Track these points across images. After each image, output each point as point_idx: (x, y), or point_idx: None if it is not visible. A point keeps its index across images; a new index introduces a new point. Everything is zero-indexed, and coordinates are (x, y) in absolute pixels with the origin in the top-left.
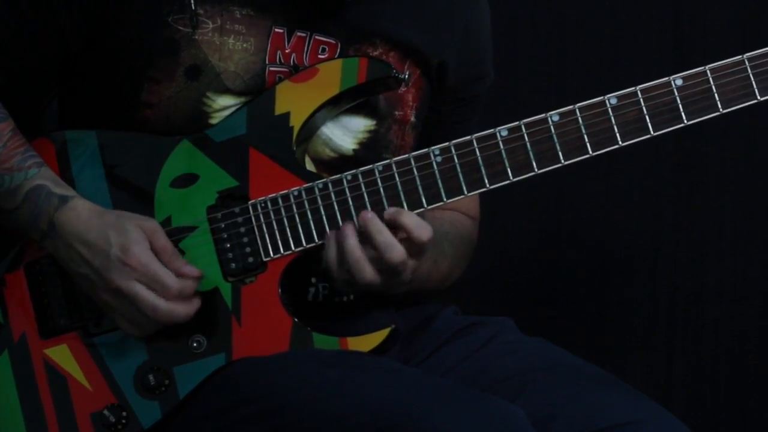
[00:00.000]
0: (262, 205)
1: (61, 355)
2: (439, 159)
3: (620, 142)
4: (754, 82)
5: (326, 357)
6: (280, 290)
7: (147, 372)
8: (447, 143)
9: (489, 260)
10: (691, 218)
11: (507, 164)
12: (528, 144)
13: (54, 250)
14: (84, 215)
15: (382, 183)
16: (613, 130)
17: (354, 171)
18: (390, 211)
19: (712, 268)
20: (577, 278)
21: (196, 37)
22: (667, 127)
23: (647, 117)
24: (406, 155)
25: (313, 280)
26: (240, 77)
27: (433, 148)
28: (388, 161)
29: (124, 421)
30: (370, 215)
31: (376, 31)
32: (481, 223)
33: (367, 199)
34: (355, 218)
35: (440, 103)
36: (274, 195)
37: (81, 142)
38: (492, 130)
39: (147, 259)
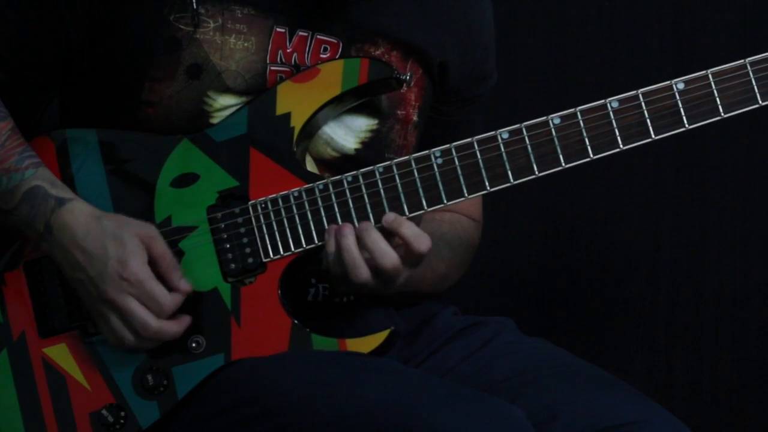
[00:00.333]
0: (262, 205)
1: (60, 354)
2: (439, 161)
3: (621, 146)
4: (756, 87)
5: (325, 358)
6: (279, 291)
7: (146, 372)
8: (448, 145)
9: (489, 261)
10: (691, 219)
11: (508, 167)
12: (529, 147)
13: (51, 252)
14: (81, 219)
15: (382, 184)
16: (615, 133)
17: (354, 172)
18: (389, 219)
19: (712, 269)
20: (578, 278)
21: (198, 36)
22: (669, 131)
23: (648, 121)
24: (407, 157)
25: (313, 280)
26: (241, 76)
27: (433, 150)
28: (388, 163)
29: (122, 421)
30: (366, 225)
31: (377, 31)
32: (483, 223)
33: (367, 201)
34: (355, 221)
35: (443, 103)
36: (274, 195)
37: (81, 140)
38: (493, 132)
39: (144, 275)
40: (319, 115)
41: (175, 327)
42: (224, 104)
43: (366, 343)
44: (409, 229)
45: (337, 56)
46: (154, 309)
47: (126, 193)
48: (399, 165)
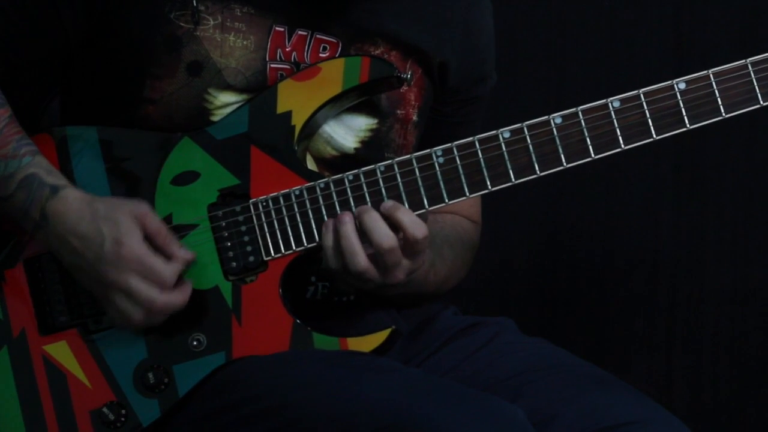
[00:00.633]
0: (264, 203)
1: (61, 351)
2: (441, 160)
3: (623, 146)
4: (757, 87)
5: (326, 357)
6: (280, 290)
7: (146, 370)
8: (449, 144)
9: (489, 261)
10: (691, 219)
11: (509, 166)
12: (530, 146)
13: (46, 241)
14: (74, 206)
15: (383, 183)
16: (616, 133)
17: (356, 171)
18: (387, 204)
19: (712, 269)
20: (578, 278)
21: (198, 33)
22: (670, 131)
23: (650, 121)
24: (408, 156)
25: (313, 279)
26: (241, 74)
27: (435, 149)
28: (390, 161)
29: (123, 418)
30: (366, 207)
31: (377, 31)
32: (482, 224)
33: (368, 199)
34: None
35: (443, 104)
36: (275, 194)
37: (81, 137)
38: (494, 131)
39: (141, 252)
40: (320, 113)
41: (180, 296)
42: (225, 101)
43: (367, 342)
44: (405, 215)
45: (336, 55)
46: (156, 283)
47: (126, 191)
48: (400, 164)
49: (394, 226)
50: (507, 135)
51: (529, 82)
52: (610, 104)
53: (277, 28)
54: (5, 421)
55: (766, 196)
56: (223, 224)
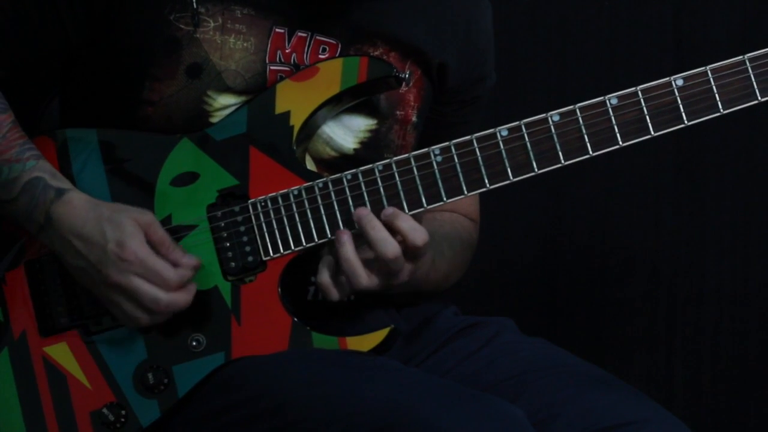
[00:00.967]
0: (262, 204)
1: (61, 353)
2: (439, 159)
3: (621, 143)
4: (755, 83)
5: (326, 356)
6: (279, 289)
7: (146, 371)
8: (447, 143)
9: (489, 261)
10: (691, 218)
11: (507, 164)
12: (528, 144)
13: (50, 243)
14: (79, 209)
15: (382, 182)
16: (614, 130)
17: (354, 170)
18: (387, 212)
19: (712, 269)
20: (577, 278)
21: (198, 35)
22: (668, 128)
23: (648, 117)
24: (406, 155)
25: (313, 279)
26: (241, 76)
27: (433, 147)
28: (388, 161)
29: (123, 419)
30: (365, 211)
31: (376, 32)
32: (482, 223)
33: (366, 199)
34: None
35: (441, 104)
36: (274, 194)
37: (81, 140)
38: (492, 129)
39: (143, 253)
40: (318, 113)
41: (184, 296)
42: (224, 104)
43: (366, 342)
44: (405, 222)
45: (336, 56)
46: (160, 282)
47: (126, 192)
48: (398, 163)
49: (394, 232)
50: (505, 133)
51: (529, 82)
52: (607, 101)
53: (277, 30)
54: (6, 422)
55: (766, 196)
56: (222, 225)
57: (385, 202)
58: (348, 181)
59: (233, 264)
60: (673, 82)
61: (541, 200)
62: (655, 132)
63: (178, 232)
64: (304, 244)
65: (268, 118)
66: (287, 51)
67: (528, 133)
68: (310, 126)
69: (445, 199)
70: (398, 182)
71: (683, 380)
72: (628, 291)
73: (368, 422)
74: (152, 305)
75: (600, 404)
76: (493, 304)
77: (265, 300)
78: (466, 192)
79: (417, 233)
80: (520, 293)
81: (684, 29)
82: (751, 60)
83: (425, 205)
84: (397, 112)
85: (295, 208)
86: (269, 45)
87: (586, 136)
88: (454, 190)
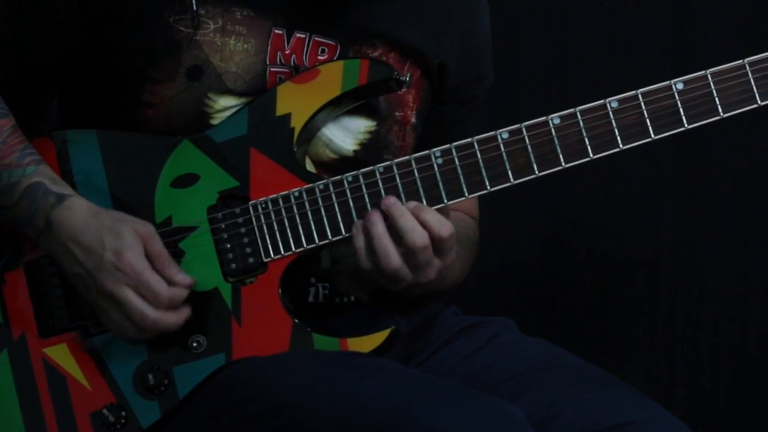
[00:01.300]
0: (263, 205)
1: (61, 354)
2: (440, 161)
3: (621, 146)
4: (754, 87)
5: (326, 357)
6: (280, 291)
7: (146, 372)
8: (448, 145)
9: (489, 261)
10: (691, 218)
11: (508, 166)
12: (529, 146)
13: (49, 248)
14: (80, 215)
15: (382, 184)
16: (614, 133)
17: (355, 172)
18: (410, 205)
19: (712, 269)
20: (578, 278)
21: (198, 37)
22: (668, 131)
23: (648, 120)
24: (407, 157)
25: (313, 280)
26: (241, 78)
27: (434, 150)
28: (389, 163)
29: (123, 420)
30: (393, 200)
31: (375, 32)
32: (482, 223)
33: (367, 201)
34: (355, 220)
35: (441, 104)
36: (274, 195)
37: (81, 142)
38: (493, 132)
39: (140, 266)
40: (319, 115)
41: (173, 318)
42: (225, 105)
43: (367, 343)
44: (430, 215)
45: (335, 58)
46: (150, 299)
47: (126, 194)
48: (399, 165)
49: (421, 224)
50: (505, 136)
51: (529, 83)
52: (608, 104)
53: (276, 31)
54: (5, 423)
55: (766, 196)
56: (223, 226)
57: None
58: (349, 183)
59: (234, 265)
60: (673, 86)
61: (542, 200)
62: (655, 135)
63: (178, 234)
64: (305, 245)
65: (268, 120)
66: (287, 52)
67: (529, 136)
68: (311, 128)
69: (446, 201)
70: (399, 184)
71: (683, 380)
72: (628, 291)
73: (368, 423)
74: (138, 319)
75: (600, 404)
76: (493, 304)
77: (266, 301)
78: (467, 194)
79: (442, 225)
80: (520, 293)
81: (684, 29)
82: (751, 64)
83: None
84: (397, 114)
85: (295, 210)
86: (269, 46)
87: (586, 139)
88: (454, 193)
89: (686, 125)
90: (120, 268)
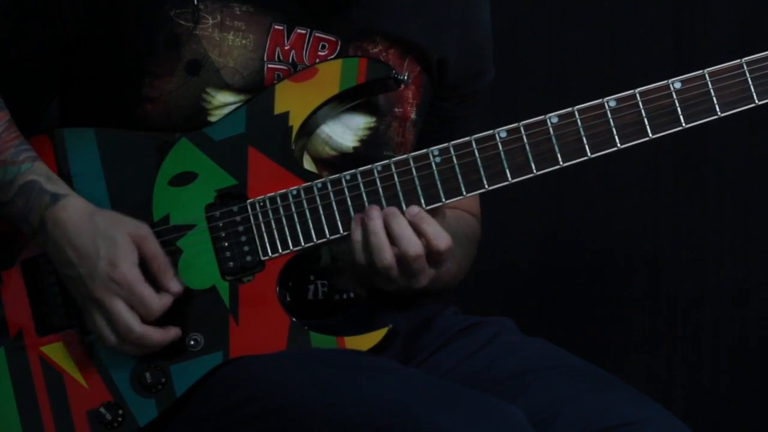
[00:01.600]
0: (261, 204)
1: (58, 352)
2: (438, 159)
3: (619, 145)
4: (752, 86)
5: (324, 356)
6: (278, 289)
7: (144, 370)
8: (446, 144)
9: (489, 261)
10: (691, 219)
11: (506, 165)
12: (527, 145)
13: (44, 247)
14: (75, 216)
15: (380, 183)
16: (612, 132)
17: (353, 171)
18: (413, 211)
19: (712, 269)
20: (578, 278)
21: (197, 32)
22: (666, 130)
23: (646, 120)
24: (405, 156)
25: (312, 277)
26: (239, 73)
27: (432, 148)
28: (387, 161)
29: (120, 419)
30: (395, 211)
31: (375, 28)
32: (482, 223)
33: (365, 199)
34: (353, 216)
35: (441, 99)
36: (272, 194)
37: (79, 139)
38: (491, 131)
39: (133, 278)
40: (317, 114)
41: (158, 335)
42: (223, 101)
43: (364, 341)
44: (430, 227)
45: (334, 54)
46: (141, 312)
47: (124, 192)
48: (397, 164)
49: (419, 234)
50: (504, 134)
51: (529, 82)
52: (606, 104)
53: (276, 27)
54: (2, 422)
55: (766, 196)
56: (221, 224)
57: (384, 203)
58: (347, 181)
59: (231, 264)
60: (671, 85)
61: (541, 200)
62: (653, 134)
63: (176, 232)
64: (303, 244)
65: (267, 119)
66: (286, 48)
67: (527, 135)
68: (309, 126)
69: (444, 199)
70: (397, 183)
71: (683, 380)
72: (628, 291)
73: (367, 422)
74: (124, 332)
75: (600, 404)
76: (493, 304)
77: (264, 300)
78: (464, 193)
79: (441, 238)
80: (520, 293)
81: (684, 29)
82: (748, 64)
83: (424, 206)
84: (396, 110)
85: (293, 209)
86: (268, 42)
87: (584, 138)
88: (452, 191)
89: (684, 124)
90: (113, 279)
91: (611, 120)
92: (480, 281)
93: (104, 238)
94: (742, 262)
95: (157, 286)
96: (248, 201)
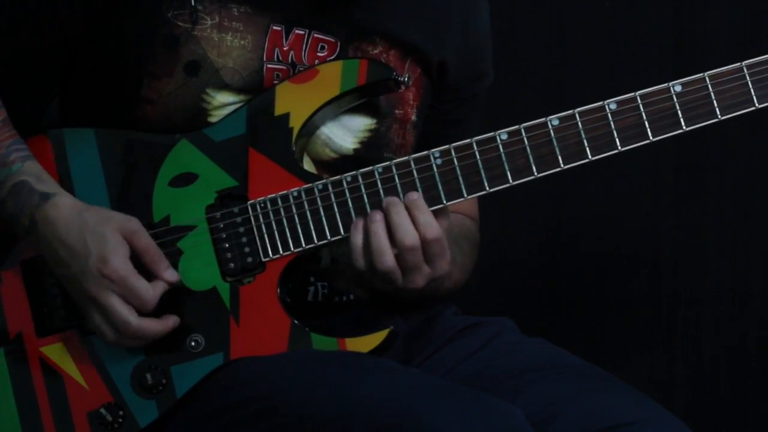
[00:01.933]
0: (261, 205)
1: (58, 353)
2: (438, 161)
3: (619, 147)
4: (752, 90)
5: (326, 357)
6: (278, 290)
7: (144, 371)
8: (447, 146)
9: (489, 261)
10: (691, 219)
11: (507, 167)
12: (528, 148)
13: (37, 247)
14: (64, 214)
15: (381, 184)
16: (613, 135)
17: (353, 172)
18: (412, 197)
19: (712, 269)
20: (578, 278)
21: (195, 33)
22: (666, 133)
23: (646, 122)
24: (406, 157)
25: (312, 279)
26: (238, 73)
27: (433, 150)
28: (387, 163)
29: (120, 420)
30: (396, 201)
31: (375, 30)
32: (482, 223)
33: (366, 201)
34: (354, 220)
35: (441, 102)
36: (273, 195)
37: (79, 140)
38: (492, 133)
39: (125, 272)
40: (317, 115)
41: (156, 326)
42: (222, 102)
43: (365, 343)
44: (421, 215)
45: (334, 55)
46: (136, 304)
47: (124, 193)
48: (398, 165)
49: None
50: (504, 137)
51: (529, 83)
52: (606, 106)
53: (275, 27)
54: (2, 423)
55: (766, 196)
56: (221, 226)
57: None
58: (348, 183)
59: (232, 265)
60: (671, 88)
61: (541, 200)
62: (653, 137)
63: (176, 233)
64: (304, 245)
65: (267, 120)
66: (285, 48)
67: (528, 137)
68: (310, 128)
69: (444, 201)
70: (398, 185)
71: (683, 380)
72: (628, 291)
73: (367, 423)
74: (121, 327)
75: (600, 404)
76: (493, 304)
77: (264, 301)
78: (465, 195)
79: (429, 227)
80: (520, 293)
81: (684, 29)
82: (748, 67)
83: None
84: (397, 111)
85: (294, 210)
86: (266, 43)
87: (585, 141)
88: (453, 193)
89: (684, 127)
90: (105, 275)
91: (612, 122)
92: (480, 281)
93: (94, 235)
94: (742, 262)
95: (152, 279)
96: (249, 202)
